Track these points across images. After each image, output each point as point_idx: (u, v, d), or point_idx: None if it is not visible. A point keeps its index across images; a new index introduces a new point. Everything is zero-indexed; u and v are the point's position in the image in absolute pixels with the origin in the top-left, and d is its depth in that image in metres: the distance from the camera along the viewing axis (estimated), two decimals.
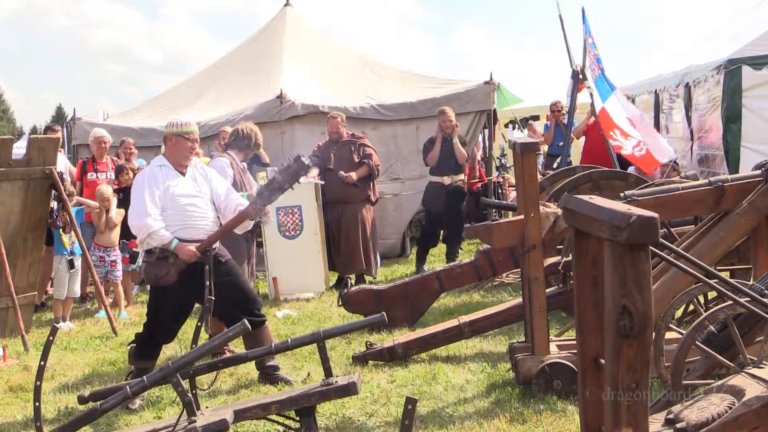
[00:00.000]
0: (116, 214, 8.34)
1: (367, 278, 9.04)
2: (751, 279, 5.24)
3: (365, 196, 9.04)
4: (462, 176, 9.67)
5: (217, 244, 5.51)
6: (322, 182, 9.12)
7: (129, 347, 5.86)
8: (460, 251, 10.12)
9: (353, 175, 8.87)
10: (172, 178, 5.48)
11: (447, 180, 9.49)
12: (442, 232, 10.25)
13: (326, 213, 9.01)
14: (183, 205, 5.44)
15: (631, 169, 10.51)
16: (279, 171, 5.62)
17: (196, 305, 5.79)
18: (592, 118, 11.32)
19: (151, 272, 5.44)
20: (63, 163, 9.17)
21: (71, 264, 7.95)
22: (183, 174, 5.54)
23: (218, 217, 5.61)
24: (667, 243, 2.15)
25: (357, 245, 8.90)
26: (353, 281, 8.64)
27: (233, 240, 6.09)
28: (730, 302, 3.35)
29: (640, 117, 10.00)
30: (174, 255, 5.35)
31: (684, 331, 4.19)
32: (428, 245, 9.76)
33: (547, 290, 5.50)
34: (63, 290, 7.93)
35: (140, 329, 5.70)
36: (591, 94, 10.72)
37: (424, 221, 10.03)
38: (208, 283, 5.34)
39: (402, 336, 6.36)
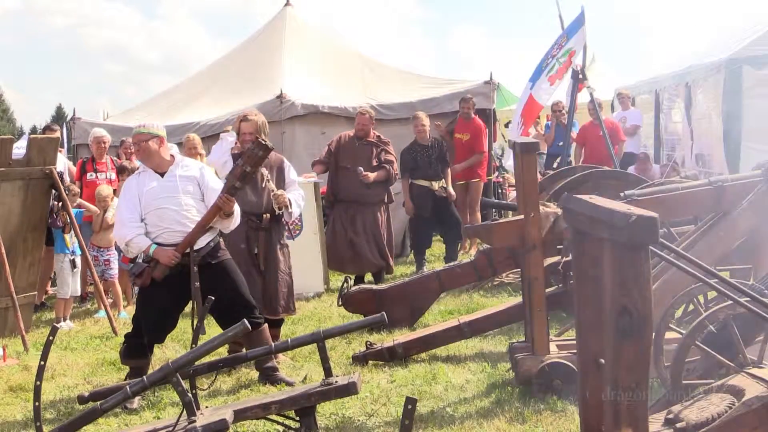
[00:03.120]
0: (112, 215, 8.33)
1: (367, 278, 9.02)
2: (751, 279, 5.24)
3: (380, 197, 8.93)
4: (443, 182, 9.59)
5: (203, 244, 5.44)
6: (321, 181, 9.10)
7: (121, 346, 5.84)
8: (460, 251, 10.10)
9: (370, 175, 8.78)
10: (148, 183, 5.48)
11: (435, 185, 9.44)
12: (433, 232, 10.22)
13: (337, 211, 8.95)
14: (157, 208, 5.42)
15: (631, 169, 10.54)
16: (241, 156, 5.65)
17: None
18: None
19: (131, 271, 5.55)
20: (63, 163, 9.17)
21: (73, 263, 7.95)
22: (162, 175, 5.52)
23: None
24: (667, 243, 2.15)
25: (370, 246, 8.82)
26: (353, 281, 8.61)
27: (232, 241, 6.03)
28: (730, 302, 3.35)
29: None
30: (154, 260, 5.36)
31: (684, 331, 4.19)
32: (423, 247, 9.74)
33: (547, 290, 5.50)
34: (67, 289, 7.93)
35: None
36: (591, 93, 10.73)
37: (412, 226, 9.97)
38: (197, 284, 5.32)
39: (402, 336, 6.36)
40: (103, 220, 8.35)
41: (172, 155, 5.67)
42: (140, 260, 5.46)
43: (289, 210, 6.16)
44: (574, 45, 10.14)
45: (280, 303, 6.23)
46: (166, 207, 5.41)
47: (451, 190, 9.58)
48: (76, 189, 8.44)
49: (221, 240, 5.64)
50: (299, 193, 6.33)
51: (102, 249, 8.36)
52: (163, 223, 5.40)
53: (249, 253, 6.17)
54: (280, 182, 6.25)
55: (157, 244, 5.39)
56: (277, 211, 6.15)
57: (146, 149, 5.50)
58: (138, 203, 5.43)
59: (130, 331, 5.63)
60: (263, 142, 5.46)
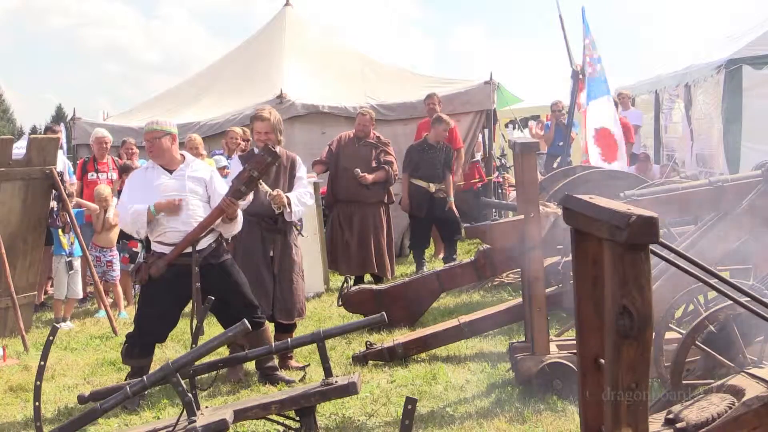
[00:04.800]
0: (113, 215, 8.32)
1: (367, 278, 9.02)
2: (751, 279, 5.24)
3: (379, 198, 8.89)
4: (443, 185, 9.52)
5: (205, 245, 5.44)
6: (321, 181, 9.10)
7: (122, 346, 5.83)
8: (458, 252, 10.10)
9: (368, 176, 8.74)
10: (156, 179, 5.46)
11: (433, 187, 9.42)
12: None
13: (337, 212, 8.93)
14: None
15: (631, 169, 10.54)
16: (249, 161, 5.61)
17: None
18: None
19: (132, 269, 5.52)
20: (62, 163, 9.17)
21: (70, 265, 7.94)
22: (170, 173, 5.50)
23: None
24: (667, 243, 2.15)
25: (369, 247, 8.82)
26: (353, 281, 8.61)
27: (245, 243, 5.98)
28: (730, 302, 3.35)
29: (615, 134, 9.87)
30: (152, 257, 5.35)
31: (684, 331, 4.20)
32: (422, 247, 9.74)
33: (547, 290, 5.50)
34: (63, 290, 7.94)
35: None
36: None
37: (410, 227, 9.96)
38: (197, 285, 5.32)
39: (402, 336, 6.36)
40: (104, 221, 8.34)
41: (182, 154, 5.65)
42: (141, 259, 5.47)
43: (288, 210, 5.96)
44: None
45: (296, 307, 6.13)
46: None
47: (451, 196, 9.55)
48: (70, 189, 8.40)
49: (224, 241, 5.63)
50: (306, 191, 6.13)
51: (104, 249, 8.36)
52: (168, 221, 5.40)
53: (264, 256, 6.04)
54: (292, 180, 6.11)
55: (158, 242, 5.40)
56: (276, 211, 5.98)
57: (159, 146, 5.47)
58: (140, 196, 5.40)
59: (131, 330, 5.62)
60: (272, 149, 5.44)
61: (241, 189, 5.39)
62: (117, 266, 8.43)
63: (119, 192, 8.68)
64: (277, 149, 5.93)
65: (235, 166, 6.05)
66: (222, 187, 5.59)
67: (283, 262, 6.11)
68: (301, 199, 6.07)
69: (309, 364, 5.95)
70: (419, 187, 9.39)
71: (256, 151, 6.10)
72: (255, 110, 6.24)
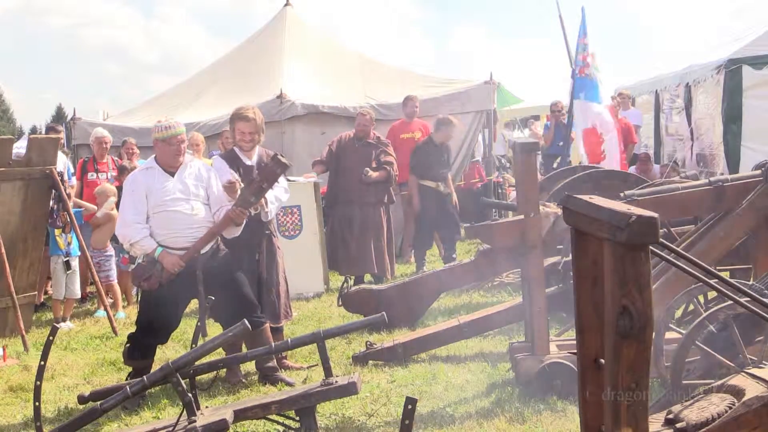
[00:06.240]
0: (102, 214, 8.30)
1: (367, 278, 9.02)
2: (751, 279, 5.24)
3: (379, 198, 8.90)
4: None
5: (207, 249, 5.43)
6: (321, 181, 9.09)
7: (124, 347, 5.83)
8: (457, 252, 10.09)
9: (373, 173, 8.73)
10: (159, 182, 5.40)
11: (441, 186, 9.42)
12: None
13: (337, 212, 8.94)
14: (169, 211, 5.36)
15: (631, 170, 10.54)
16: (258, 172, 5.58)
17: (195, 305, 5.77)
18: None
19: (136, 273, 5.47)
20: (63, 163, 9.17)
21: (67, 265, 7.92)
22: (173, 175, 5.46)
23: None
24: (667, 243, 2.15)
25: (368, 247, 8.81)
26: (353, 281, 8.60)
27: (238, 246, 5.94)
28: (730, 302, 3.36)
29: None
30: (161, 264, 5.33)
31: (684, 331, 4.20)
32: (424, 247, 9.74)
33: (547, 290, 5.50)
34: (61, 290, 7.92)
35: None
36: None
37: (415, 227, 9.97)
38: (200, 288, 5.31)
39: (402, 336, 6.36)
40: (94, 220, 8.34)
41: None
42: (140, 261, 5.44)
43: (266, 209, 5.81)
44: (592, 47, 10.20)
45: (282, 310, 6.11)
46: (178, 210, 5.37)
47: (454, 193, 9.57)
48: (69, 189, 8.38)
49: (221, 242, 5.62)
50: (281, 188, 5.99)
51: (95, 250, 8.32)
52: (172, 226, 5.37)
53: (250, 260, 5.96)
54: None
55: (162, 246, 5.37)
56: (252, 212, 5.74)
57: (185, 148, 5.49)
58: (144, 201, 5.37)
59: (133, 331, 5.62)
60: (282, 160, 5.41)
61: (250, 200, 5.40)
62: (108, 266, 8.37)
63: (118, 188, 8.70)
64: (257, 149, 5.97)
65: (219, 166, 5.90)
66: (219, 188, 5.55)
67: (269, 266, 6.05)
68: (278, 195, 5.94)
69: (317, 364, 5.93)
70: (428, 188, 9.40)
71: (237, 151, 6.02)
72: (237, 109, 6.04)
